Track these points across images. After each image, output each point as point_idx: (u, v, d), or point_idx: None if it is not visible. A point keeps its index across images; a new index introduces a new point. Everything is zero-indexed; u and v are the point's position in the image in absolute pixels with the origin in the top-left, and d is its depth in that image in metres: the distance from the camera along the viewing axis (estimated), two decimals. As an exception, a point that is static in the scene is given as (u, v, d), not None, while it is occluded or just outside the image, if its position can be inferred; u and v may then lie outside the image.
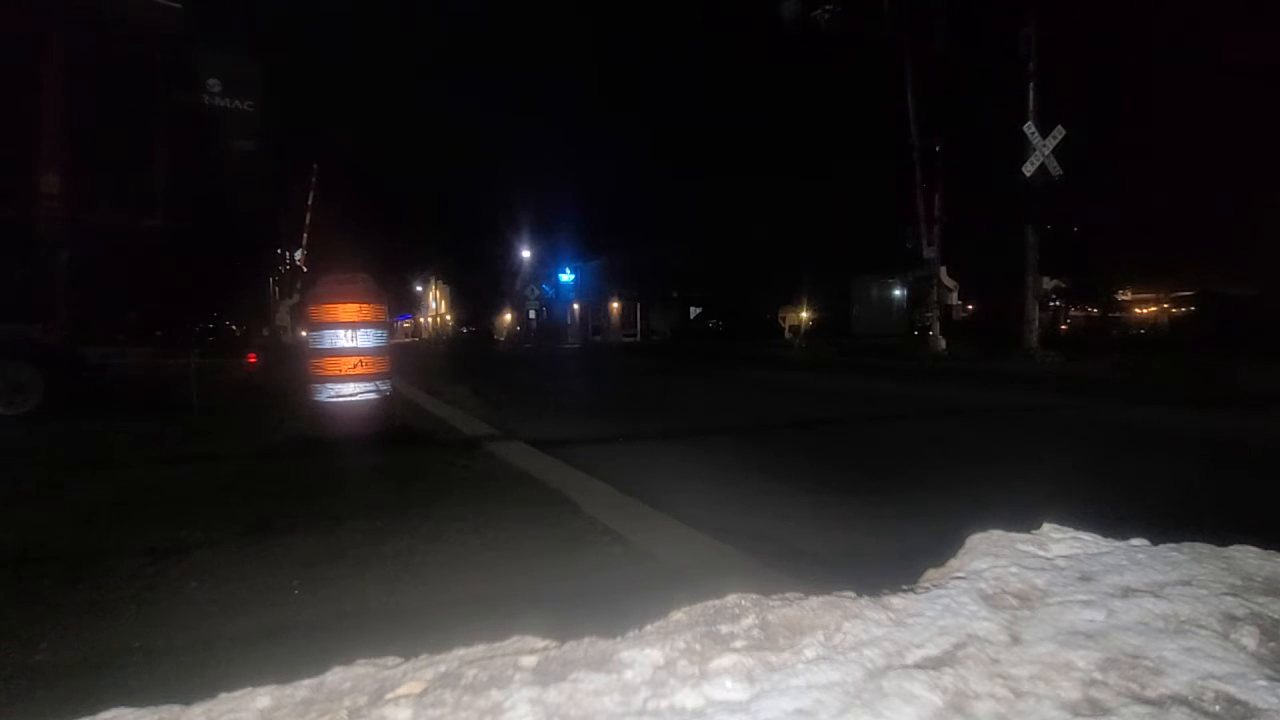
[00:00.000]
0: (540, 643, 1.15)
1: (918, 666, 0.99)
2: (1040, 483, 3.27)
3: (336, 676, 1.06)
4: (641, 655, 1.05)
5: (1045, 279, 13.99)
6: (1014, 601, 1.23)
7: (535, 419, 5.73)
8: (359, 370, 5.21)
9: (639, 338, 39.31)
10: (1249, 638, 1.06)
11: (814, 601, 1.24)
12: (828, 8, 13.28)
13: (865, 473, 3.50)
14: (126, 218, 6.82)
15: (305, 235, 19.13)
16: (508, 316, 47.67)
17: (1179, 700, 0.90)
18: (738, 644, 1.08)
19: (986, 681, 0.95)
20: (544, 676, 1.01)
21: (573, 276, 42.04)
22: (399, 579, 1.93)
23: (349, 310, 5.19)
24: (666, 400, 7.90)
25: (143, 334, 6.69)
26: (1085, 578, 1.31)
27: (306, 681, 1.05)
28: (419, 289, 67.88)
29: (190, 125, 7.47)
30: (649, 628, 1.19)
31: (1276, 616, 1.13)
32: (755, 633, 1.13)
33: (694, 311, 39.85)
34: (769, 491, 3.20)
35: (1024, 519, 1.70)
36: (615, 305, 42.45)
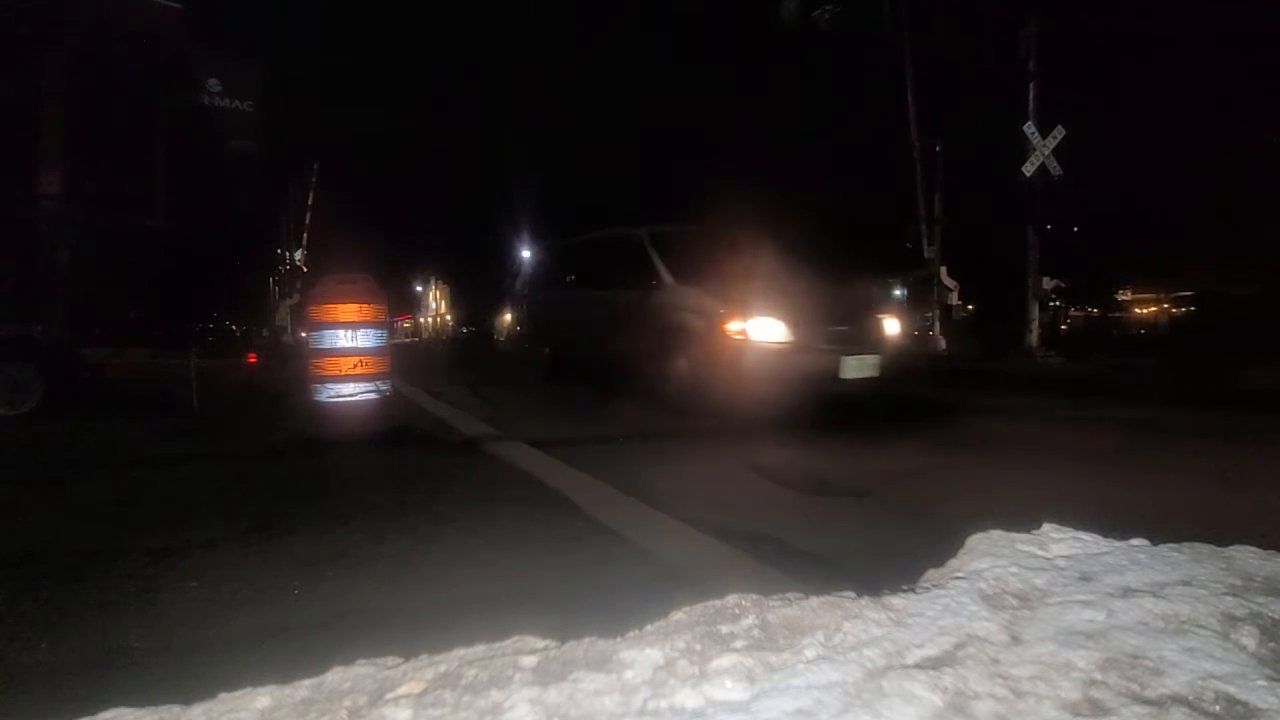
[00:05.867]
0: (540, 643, 1.15)
1: (918, 666, 0.99)
2: (1040, 483, 3.27)
3: (336, 676, 1.06)
4: (641, 655, 1.05)
5: (1045, 279, 13.99)
6: (1014, 601, 1.23)
7: (535, 419, 5.73)
8: (359, 370, 5.22)
9: (639, 337, 39.16)
10: (1249, 638, 1.06)
11: (814, 601, 1.24)
12: (828, 8, 13.26)
13: (865, 472, 3.49)
14: (127, 218, 6.82)
15: (305, 235, 19.12)
16: (508, 316, 47.70)
17: (1179, 700, 0.90)
18: (738, 644, 1.09)
19: (986, 681, 0.95)
20: (544, 676, 1.01)
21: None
22: (398, 578, 1.93)
23: (349, 310, 5.21)
24: (664, 399, 7.88)
25: (143, 334, 6.70)
26: (1085, 578, 1.31)
27: (306, 681, 1.05)
28: (419, 289, 68.01)
29: (190, 125, 7.48)
30: (649, 628, 1.19)
31: (1276, 616, 1.13)
32: (755, 633, 1.13)
33: (694, 311, 39.73)
34: (769, 492, 3.20)
35: (1024, 519, 1.70)
36: (615, 305, 42.31)
